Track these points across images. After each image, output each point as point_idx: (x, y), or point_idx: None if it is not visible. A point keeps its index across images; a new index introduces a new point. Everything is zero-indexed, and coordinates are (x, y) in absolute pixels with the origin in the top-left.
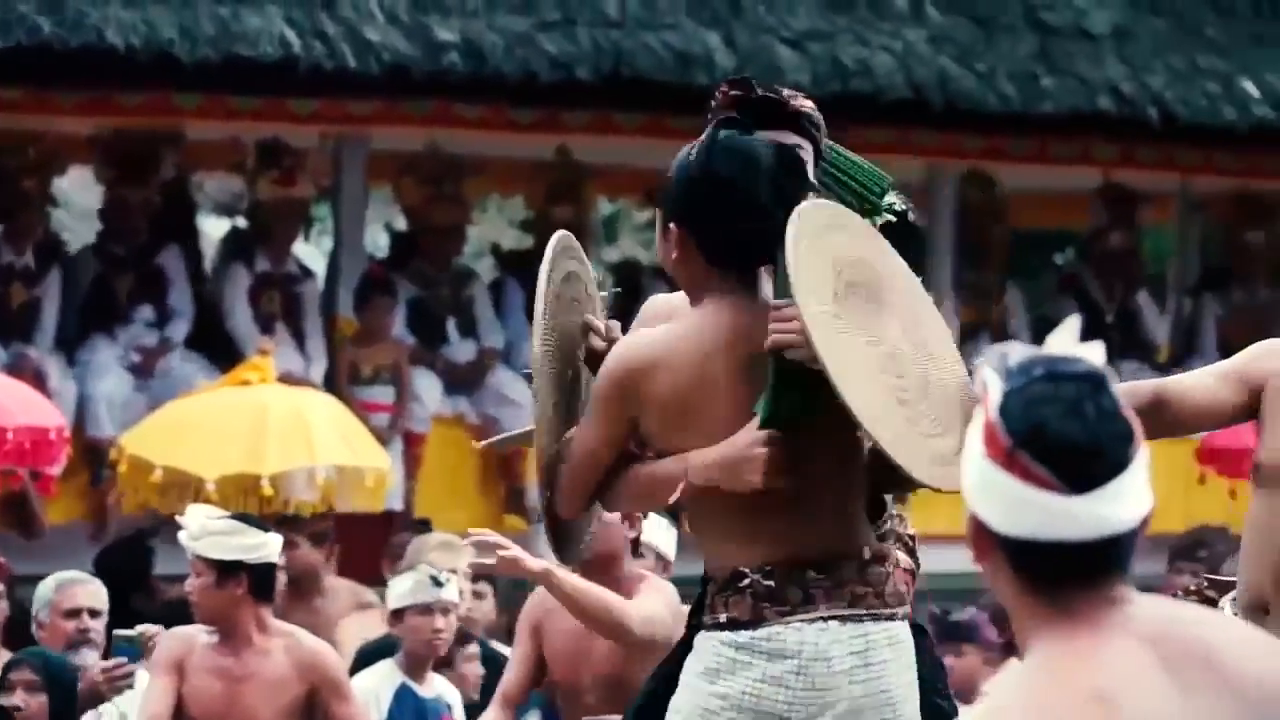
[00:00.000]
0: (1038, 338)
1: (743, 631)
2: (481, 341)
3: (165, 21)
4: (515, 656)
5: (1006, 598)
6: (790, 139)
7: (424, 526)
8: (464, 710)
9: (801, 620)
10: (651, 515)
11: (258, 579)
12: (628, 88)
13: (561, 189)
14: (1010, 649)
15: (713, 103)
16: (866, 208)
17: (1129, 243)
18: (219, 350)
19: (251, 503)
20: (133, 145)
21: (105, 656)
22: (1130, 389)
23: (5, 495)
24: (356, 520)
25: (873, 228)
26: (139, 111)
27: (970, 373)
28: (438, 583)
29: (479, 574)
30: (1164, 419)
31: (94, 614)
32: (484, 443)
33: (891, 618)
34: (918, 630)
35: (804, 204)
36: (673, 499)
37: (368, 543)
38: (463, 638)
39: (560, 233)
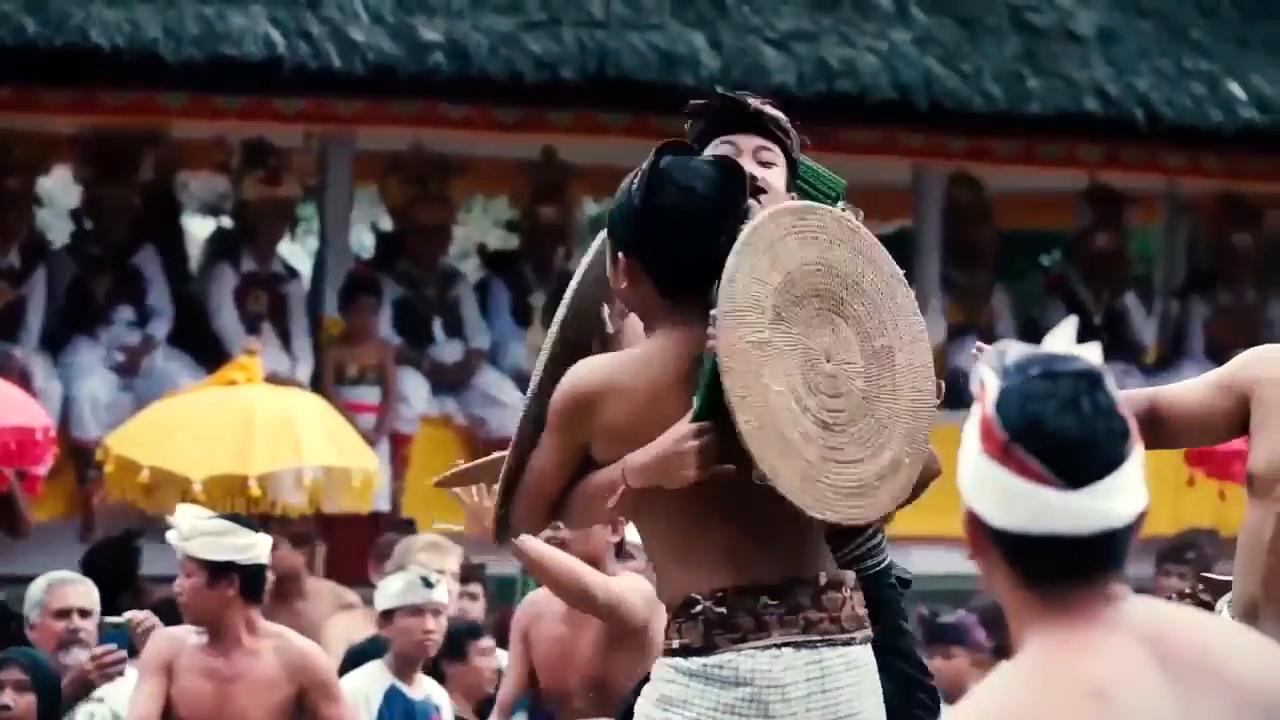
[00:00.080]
0: (1025, 339)
1: (695, 658)
2: (468, 342)
3: (150, 21)
4: (511, 665)
5: (1002, 593)
6: (753, 141)
7: (410, 527)
8: (476, 706)
9: (754, 647)
10: None
11: (248, 580)
12: (613, 88)
13: (547, 189)
14: (1000, 652)
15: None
16: None
17: (1115, 244)
18: (204, 350)
19: (239, 503)
20: (112, 145)
21: None
22: (1125, 398)
23: None
24: (343, 521)
25: (851, 224)
26: (124, 111)
27: (939, 380)
28: (428, 584)
29: (466, 573)
30: (1159, 430)
31: (84, 614)
32: (438, 479)
33: (849, 643)
34: (889, 650)
35: (762, 215)
36: (612, 503)
37: (354, 544)
38: (473, 631)
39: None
